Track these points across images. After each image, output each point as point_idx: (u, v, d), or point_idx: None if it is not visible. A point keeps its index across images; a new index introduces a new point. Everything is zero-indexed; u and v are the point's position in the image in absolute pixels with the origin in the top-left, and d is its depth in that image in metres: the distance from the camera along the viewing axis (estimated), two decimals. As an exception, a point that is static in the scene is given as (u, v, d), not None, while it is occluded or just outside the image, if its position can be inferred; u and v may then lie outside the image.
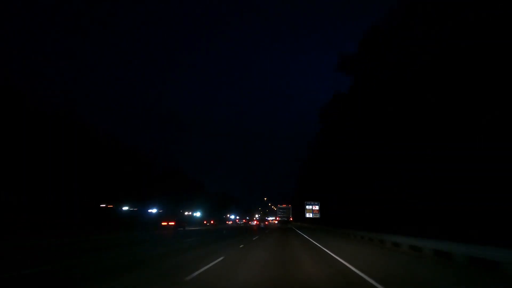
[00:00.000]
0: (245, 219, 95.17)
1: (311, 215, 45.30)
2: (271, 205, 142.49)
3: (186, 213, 58.22)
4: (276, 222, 69.63)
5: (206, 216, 62.68)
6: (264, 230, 36.00)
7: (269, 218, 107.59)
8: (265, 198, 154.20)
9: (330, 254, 10.07)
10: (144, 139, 77.42)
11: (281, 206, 71.33)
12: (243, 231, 31.94)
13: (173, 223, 31.81)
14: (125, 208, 37.74)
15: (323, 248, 12.05)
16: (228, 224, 68.45)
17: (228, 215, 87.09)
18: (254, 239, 18.16)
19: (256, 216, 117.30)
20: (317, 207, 45.05)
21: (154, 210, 43.26)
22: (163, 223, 31.85)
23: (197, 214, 64.55)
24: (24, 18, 56.39)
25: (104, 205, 32.99)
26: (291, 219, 68.71)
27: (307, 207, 45.82)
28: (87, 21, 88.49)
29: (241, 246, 13.10)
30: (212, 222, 52.98)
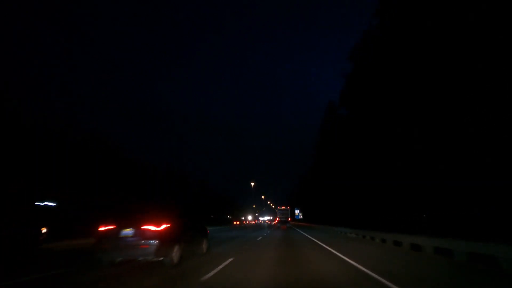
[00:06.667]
0: (261, 220, 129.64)
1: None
2: (264, 198, 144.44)
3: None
4: (276, 222, 77.11)
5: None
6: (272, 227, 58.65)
7: (269, 217, 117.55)
8: (252, 185, 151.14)
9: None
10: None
11: (280, 208, 74.74)
12: (265, 226, 71.94)
13: (238, 222, 75.12)
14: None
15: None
16: (252, 223, 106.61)
17: (247, 216, 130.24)
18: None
19: (249, 217, 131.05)
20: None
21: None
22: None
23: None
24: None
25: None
26: (289, 219, 74.93)
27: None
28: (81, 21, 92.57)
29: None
30: (248, 222, 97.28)
